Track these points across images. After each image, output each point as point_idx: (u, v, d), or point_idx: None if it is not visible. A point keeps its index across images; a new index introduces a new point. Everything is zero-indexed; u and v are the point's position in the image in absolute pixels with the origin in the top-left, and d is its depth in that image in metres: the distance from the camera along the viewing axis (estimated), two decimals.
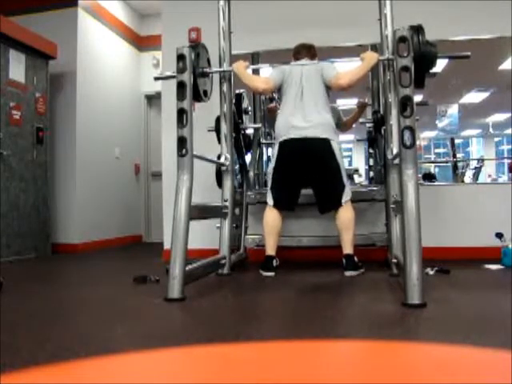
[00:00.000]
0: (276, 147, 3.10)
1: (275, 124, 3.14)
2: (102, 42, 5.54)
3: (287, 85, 3.06)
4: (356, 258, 3.00)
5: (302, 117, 2.98)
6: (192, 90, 2.68)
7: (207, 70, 3.04)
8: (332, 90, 3.09)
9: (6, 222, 4.09)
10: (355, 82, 2.95)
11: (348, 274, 2.94)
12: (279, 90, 3.15)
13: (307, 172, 3.02)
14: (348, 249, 2.99)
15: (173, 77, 2.75)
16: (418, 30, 2.62)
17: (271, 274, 3.01)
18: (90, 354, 1.46)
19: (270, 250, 3.08)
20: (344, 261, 2.98)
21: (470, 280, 2.86)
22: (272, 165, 3.12)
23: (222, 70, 3.23)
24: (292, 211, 3.18)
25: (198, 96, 2.94)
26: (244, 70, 3.09)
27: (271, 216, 3.11)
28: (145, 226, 6.37)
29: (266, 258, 3.07)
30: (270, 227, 3.10)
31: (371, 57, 2.91)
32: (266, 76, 3.17)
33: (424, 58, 2.60)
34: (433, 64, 2.67)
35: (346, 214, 3.01)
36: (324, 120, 2.99)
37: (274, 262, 3.06)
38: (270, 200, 3.13)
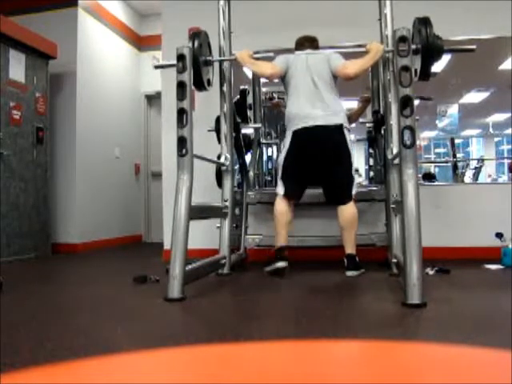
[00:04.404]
0: (289, 137, 3.01)
1: (286, 114, 3.08)
2: (102, 41, 5.54)
3: (291, 73, 3.01)
4: (357, 258, 2.99)
5: (314, 104, 2.93)
6: (195, 80, 2.67)
7: (210, 58, 3.01)
8: (338, 79, 3.04)
9: (6, 222, 4.09)
10: (362, 73, 2.93)
11: (349, 274, 2.92)
12: (283, 79, 3.08)
13: (319, 162, 2.97)
14: (350, 248, 2.98)
15: (173, 65, 2.73)
16: (425, 22, 2.63)
17: (284, 263, 2.93)
18: (89, 353, 1.46)
19: (283, 240, 3.02)
20: (346, 261, 2.96)
21: (470, 280, 2.86)
22: (283, 154, 3.05)
23: (225, 58, 3.21)
24: (298, 200, 3.11)
25: (202, 85, 2.92)
26: (248, 58, 3.02)
27: (282, 207, 3.04)
28: (145, 226, 6.37)
29: (278, 249, 3.00)
30: (281, 218, 3.03)
31: (377, 48, 2.88)
32: (272, 62, 3.08)
33: (431, 50, 2.61)
34: (439, 56, 2.67)
35: (350, 210, 2.98)
36: (336, 107, 2.96)
37: (286, 252, 2.99)
38: (280, 189, 3.05)
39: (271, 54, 3.11)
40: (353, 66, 2.89)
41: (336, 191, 3.04)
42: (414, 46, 2.64)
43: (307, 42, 3.18)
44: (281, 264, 2.92)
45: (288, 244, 3.05)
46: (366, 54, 2.90)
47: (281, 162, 3.08)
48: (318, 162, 2.98)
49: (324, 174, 3.03)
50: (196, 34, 2.88)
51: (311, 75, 2.97)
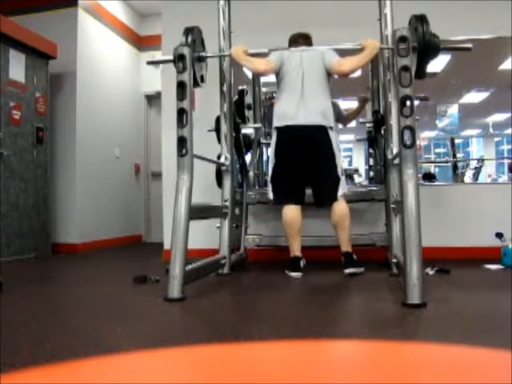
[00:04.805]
0: (274, 135, 3.01)
1: (274, 109, 3.06)
2: (102, 41, 5.54)
3: (285, 69, 2.98)
4: (355, 256, 2.97)
5: (302, 103, 2.90)
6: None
7: (203, 54, 2.98)
8: (332, 76, 3.02)
9: (6, 222, 4.09)
10: (357, 70, 2.92)
11: (348, 271, 2.89)
12: (277, 75, 3.05)
13: (305, 162, 2.94)
14: (346, 246, 2.96)
15: (166, 61, 2.70)
16: (422, 19, 2.61)
17: (298, 274, 2.94)
18: (89, 353, 1.46)
19: (296, 251, 3.02)
20: (343, 259, 2.95)
21: (470, 280, 2.86)
22: (272, 154, 3.04)
23: (219, 54, 3.19)
24: (301, 204, 3.05)
25: (195, 81, 2.91)
26: (243, 55, 2.98)
27: (289, 213, 3.00)
28: (145, 226, 6.37)
29: (292, 259, 3.01)
30: (290, 227, 3.00)
31: (373, 45, 2.84)
32: (266, 58, 3.04)
33: (428, 48, 2.59)
34: (435, 55, 2.65)
35: (341, 208, 2.94)
36: (324, 107, 2.93)
37: (301, 263, 2.99)
38: (270, 194, 3.05)
39: (266, 51, 3.10)
40: (348, 64, 2.87)
41: (319, 193, 3.02)
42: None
43: (301, 39, 3.14)
44: (295, 274, 2.94)
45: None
46: (362, 51, 2.87)
47: (270, 163, 3.04)
48: (303, 161, 2.95)
49: (308, 173, 3.00)
50: (189, 30, 2.85)
51: (303, 73, 2.94)
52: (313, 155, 2.94)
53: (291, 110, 2.92)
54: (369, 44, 2.84)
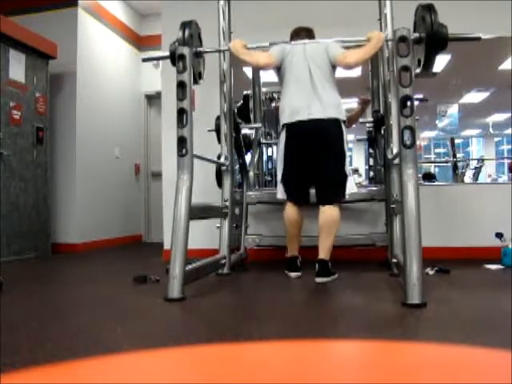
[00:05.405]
0: (283, 131, 2.90)
1: (280, 105, 2.96)
2: (102, 41, 5.54)
3: (288, 62, 2.89)
4: (330, 264, 2.80)
5: (315, 97, 2.80)
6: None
7: (201, 49, 2.93)
8: (337, 69, 2.93)
9: (6, 221, 4.09)
10: (362, 62, 2.86)
11: (319, 280, 2.72)
12: (278, 69, 2.96)
13: (315, 157, 2.84)
14: (324, 254, 2.78)
15: (162, 57, 2.68)
16: (430, 9, 2.56)
17: (298, 274, 2.91)
18: (89, 353, 1.46)
19: (294, 251, 2.99)
20: (317, 266, 2.76)
21: (470, 280, 2.86)
22: (281, 152, 2.92)
23: (218, 49, 3.17)
24: (307, 203, 2.98)
25: (193, 79, 2.89)
26: (242, 49, 2.90)
27: (291, 213, 2.93)
28: (145, 226, 6.37)
29: (290, 259, 2.98)
30: (291, 227, 2.95)
31: (379, 37, 2.78)
32: (267, 52, 2.96)
33: (436, 38, 2.53)
34: (444, 46, 2.57)
35: (331, 211, 2.82)
36: (334, 99, 2.84)
37: (299, 262, 2.96)
38: (280, 194, 2.97)
39: (266, 44, 3.08)
40: (353, 56, 2.78)
41: (324, 190, 2.89)
42: (417, 35, 2.58)
43: (303, 32, 3.06)
44: (294, 274, 2.93)
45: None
46: (367, 42, 2.79)
47: (280, 162, 2.95)
48: (314, 158, 2.85)
49: (316, 170, 2.88)
50: (186, 24, 2.81)
51: (308, 66, 2.85)
52: (323, 151, 2.83)
53: (303, 105, 2.81)
54: (375, 35, 2.78)
